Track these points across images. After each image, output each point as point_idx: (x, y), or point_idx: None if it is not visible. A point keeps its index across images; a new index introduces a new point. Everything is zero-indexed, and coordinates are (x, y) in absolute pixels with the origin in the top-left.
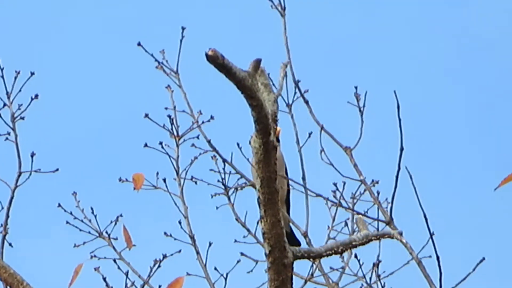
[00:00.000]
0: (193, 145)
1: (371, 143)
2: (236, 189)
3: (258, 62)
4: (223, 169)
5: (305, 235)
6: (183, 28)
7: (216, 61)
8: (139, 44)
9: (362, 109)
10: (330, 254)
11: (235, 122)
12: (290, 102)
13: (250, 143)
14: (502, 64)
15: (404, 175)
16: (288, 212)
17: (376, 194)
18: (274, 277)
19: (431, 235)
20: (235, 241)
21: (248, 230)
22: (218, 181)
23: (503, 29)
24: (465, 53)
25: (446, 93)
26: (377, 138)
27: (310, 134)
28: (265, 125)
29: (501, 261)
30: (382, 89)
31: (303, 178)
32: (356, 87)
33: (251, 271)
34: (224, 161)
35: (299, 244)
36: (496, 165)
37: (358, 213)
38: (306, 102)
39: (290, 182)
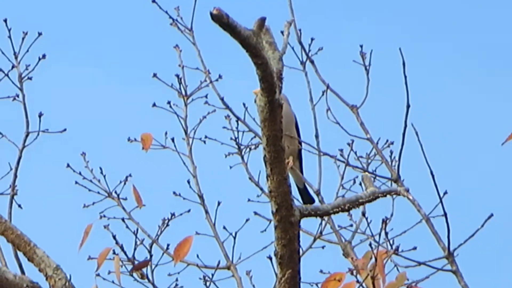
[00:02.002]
0: (206, 102)
1: (378, 101)
2: (250, 148)
3: (262, 20)
4: (237, 128)
5: (318, 193)
6: None
7: (221, 20)
8: (153, 1)
9: (367, 67)
10: (337, 212)
11: (248, 80)
12: (301, 60)
13: (255, 101)
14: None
15: (411, 133)
16: (300, 169)
17: (389, 154)
18: (281, 235)
19: (438, 192)
20: (249, 200)
21: (261, 189)
22: (231, 139)
23: None
24: (471, 7)
25: (452, 48)
26: (383, 96)
27: (323, 92)
28: (270, 83)
29: (510, 217)
30: (387, 47)
31: (317, 136)
32: (361, 46)
33: (265, 230)
34: (238, 119)
35: (312, 201)
36: (504, 120)
37: (366, 171)
38: (312, 61)
39: (302, 142)
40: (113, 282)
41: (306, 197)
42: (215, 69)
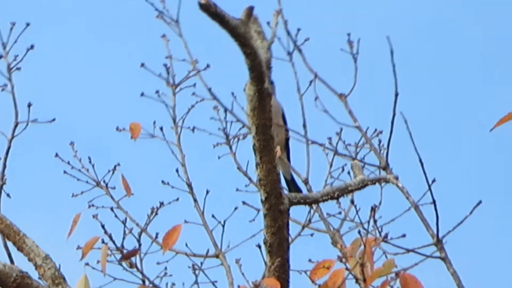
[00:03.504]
0: (193, 93)
1: (366, 89)
2: (238, 138)
3: (250, 9)
4: (225, 118)
5: (306, 182)
6: None
7: (209, 9)
8: None
9: (355, 56)
10: (326, 200)
11: (235, 71)
12: (288, 51)
13: (244, 90)
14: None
15: (400, 121)
16: (288, 159)
17: (377, 142)
18: (271, 223)
19: (427, 179)
20: (237, 190)
21: (249, 179)
22: (219, 129)
23: None
24: None
25: (440, 35)
26: (372, 85)
27: (310, 82)
28: (259, 72)
29: (498, 204)
30: (375, 35)
31: (304, 126)
32: (349, 34)
33: (253, 220)
34: (226, 110)
35: (300, 192)
36: (492, 106)
37: (354, 159)
38: (300, 50)
39: (289, 130)
40: (102, 271)
41: (294, 188)
42: (202, 60)
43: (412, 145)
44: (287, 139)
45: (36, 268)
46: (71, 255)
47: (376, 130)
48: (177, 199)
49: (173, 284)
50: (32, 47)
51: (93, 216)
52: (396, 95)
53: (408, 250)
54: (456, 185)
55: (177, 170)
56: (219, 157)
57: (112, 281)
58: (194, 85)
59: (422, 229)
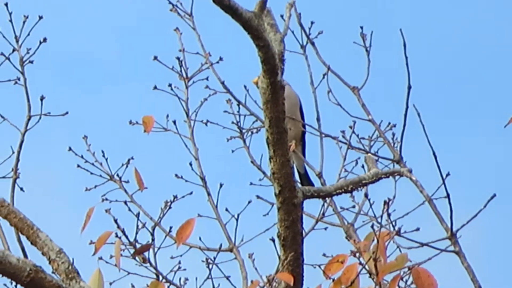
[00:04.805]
0: (206, 86)
1: (379, 82)
2: (252, 131)
3: (263, 2)
4: (238, 111)
5: (320, 175)
6: None
7: (222, 2)
8: None
9: (368, 49)
10: (340, 193)
11: (248, 65)
12: (301, 44)
13: (256, 84)
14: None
15: (413, 114)
16: (303, 153)
17: (391, 135)
18: (284, 217)
19: (441, 173)
20: (251, 183)
21: (263, 172)
22: (233, 122)
23: None
24: None
25: (454, 28)
26: (385, 78)
27: (324, 75)
28: (272, 65)
29: None
30: (388, 28)
31: (318, 119)
32: (361, 27)
33: (267, 214)
34: (239, 103)
35: (312, 185)
36: (507, 101)
37: (368, 152)
38: (312, 44)
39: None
40: (115, 265)
41: (306, 182)
42: (215, 53)
43: (425, 139)
44: (303, 133)
45: (49, 263)
46: (85, 249)
47: (389, 123)
48: (191, 193)
49: (187, 278)
50: (45, 40)
51: (106, 211)
52: (409, 88)
53: (422, 244)
54: (470, 179)
55: (190, 164)
56: (232, 151)
57: (126, 275)
58: (207, 78)
59: (436, 223)
